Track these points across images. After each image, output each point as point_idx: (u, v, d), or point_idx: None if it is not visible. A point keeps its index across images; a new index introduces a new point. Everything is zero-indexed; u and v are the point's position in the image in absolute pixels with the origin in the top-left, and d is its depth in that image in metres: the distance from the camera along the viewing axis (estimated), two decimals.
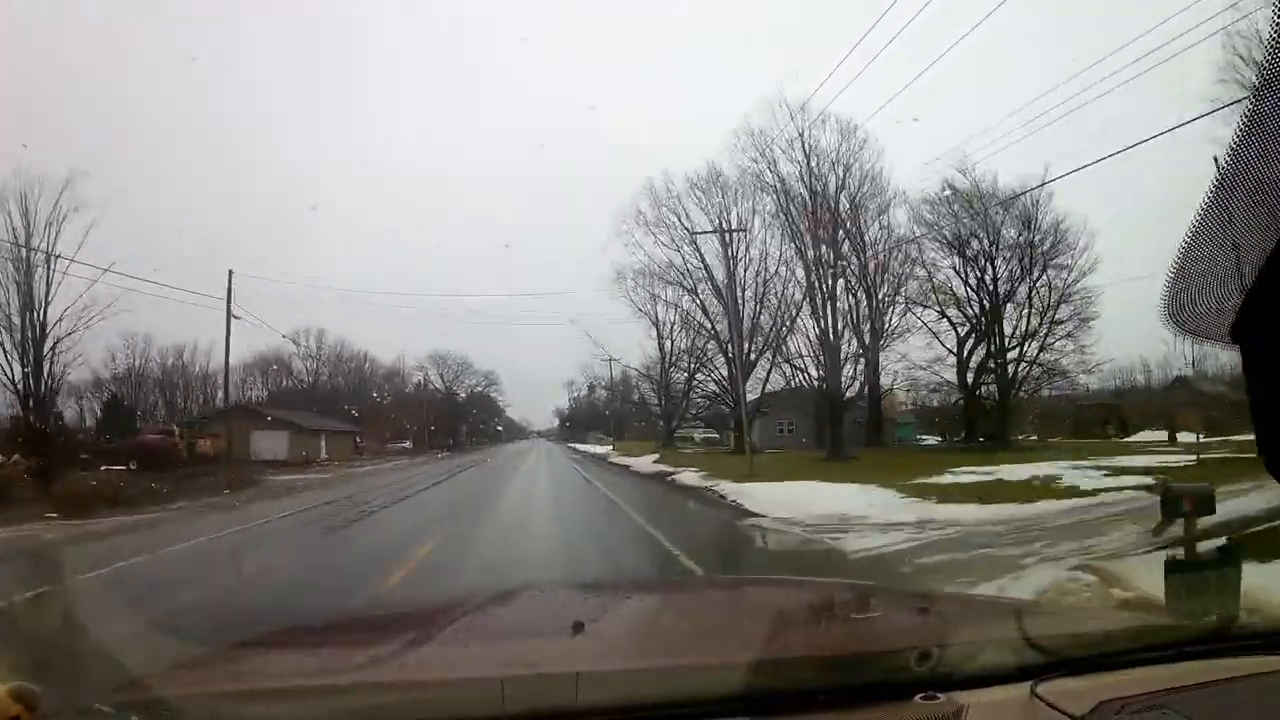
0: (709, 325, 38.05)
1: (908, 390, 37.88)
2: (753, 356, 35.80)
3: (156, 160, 75.67)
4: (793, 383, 36.38)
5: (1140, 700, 1.09)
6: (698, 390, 43.22)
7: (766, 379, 36.85)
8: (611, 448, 55.91)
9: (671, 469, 26.11)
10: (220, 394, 56.62)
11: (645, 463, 32.05)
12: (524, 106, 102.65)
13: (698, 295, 37.88)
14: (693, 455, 36.67)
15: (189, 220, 69.62)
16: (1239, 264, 0.94)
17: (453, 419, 74.56)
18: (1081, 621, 1.76)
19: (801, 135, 31.47)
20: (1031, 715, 1.08)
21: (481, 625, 1.89)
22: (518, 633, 1.85)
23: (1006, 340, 31.92)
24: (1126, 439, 33.84)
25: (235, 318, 28.98)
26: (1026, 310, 31.02)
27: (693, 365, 43.71)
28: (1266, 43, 0.82)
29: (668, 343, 46.18)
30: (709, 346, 39.92)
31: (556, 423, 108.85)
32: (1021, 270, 31.16)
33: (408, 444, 60.72)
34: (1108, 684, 1.14)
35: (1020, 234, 31.05)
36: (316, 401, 56.08)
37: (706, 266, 36.35)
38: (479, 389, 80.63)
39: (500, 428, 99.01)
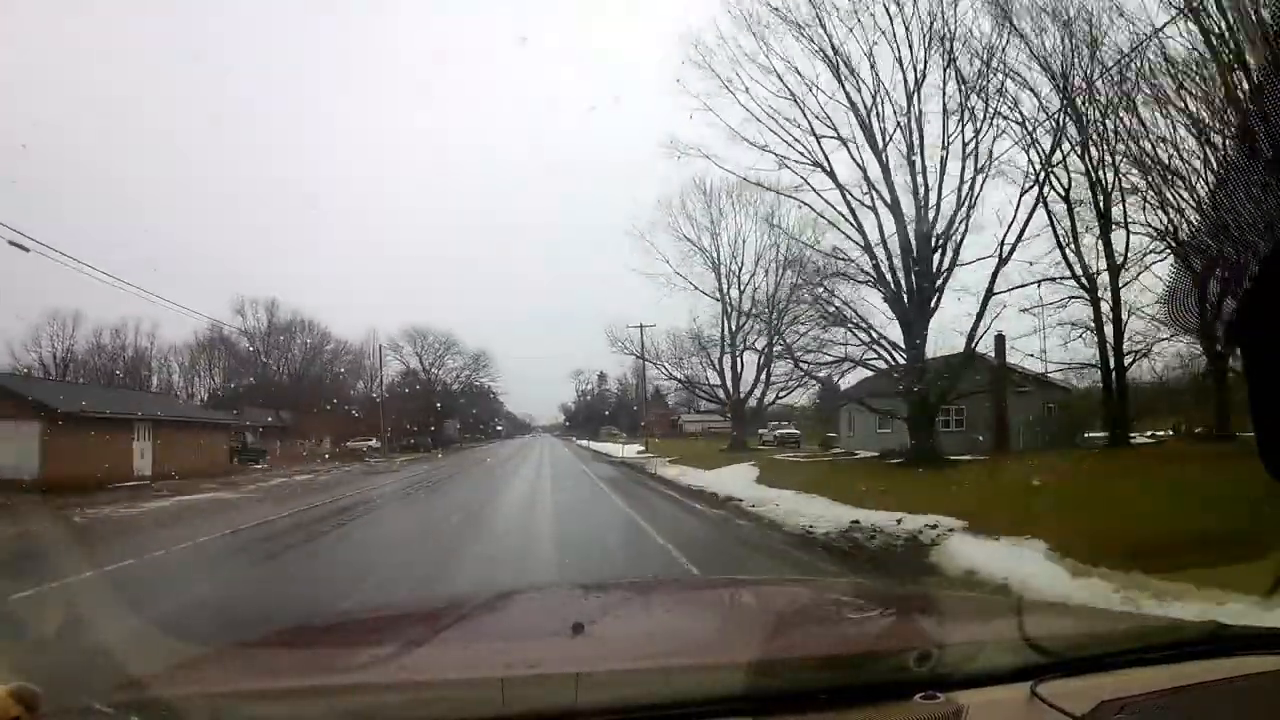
0: (852, 224, 20.05)
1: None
2: (939, 282, 19.42)
3: (156, 160, 75.51)
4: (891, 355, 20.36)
5: (1140, 700, 1.09)
6: (799, 352, 24.20)
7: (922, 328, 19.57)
8: (643, 449, 39.47)
9: (904, 516, 9.63)
10: (155, 379, 48.50)
11: (747, 485, 15.84)
12: (523, 106, 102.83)
13: (828, 173, 19.97)
14: (827, 469, 19.88)
15: (183, 224, 69.18)
16: (1239, 264, 0.94)
17: (438, 412, 59.26)
18: (1081, 621, 1.75)
19: None
20: (1031, 715, 1.08)
21: (481, 625, 1.89)
22: (518, 633, 1.85)
23: None
24: None
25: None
26: None
27: (775, 318, 28.40)
28: (1265, 50, 0.82)
29: (735, 292, 32.07)
30: (819, 280, 21.58)
31: (562, 418, 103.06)
32: None
33: (373, 442, 47.49)
34: (1108, 684, 1.14)
35: None
36: (265, 392, 46.92)
37: (857, 108, 19.27)
38: (467, 374, 65.92)
39: (500, 426, 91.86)
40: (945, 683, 1.13)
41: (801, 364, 24.33)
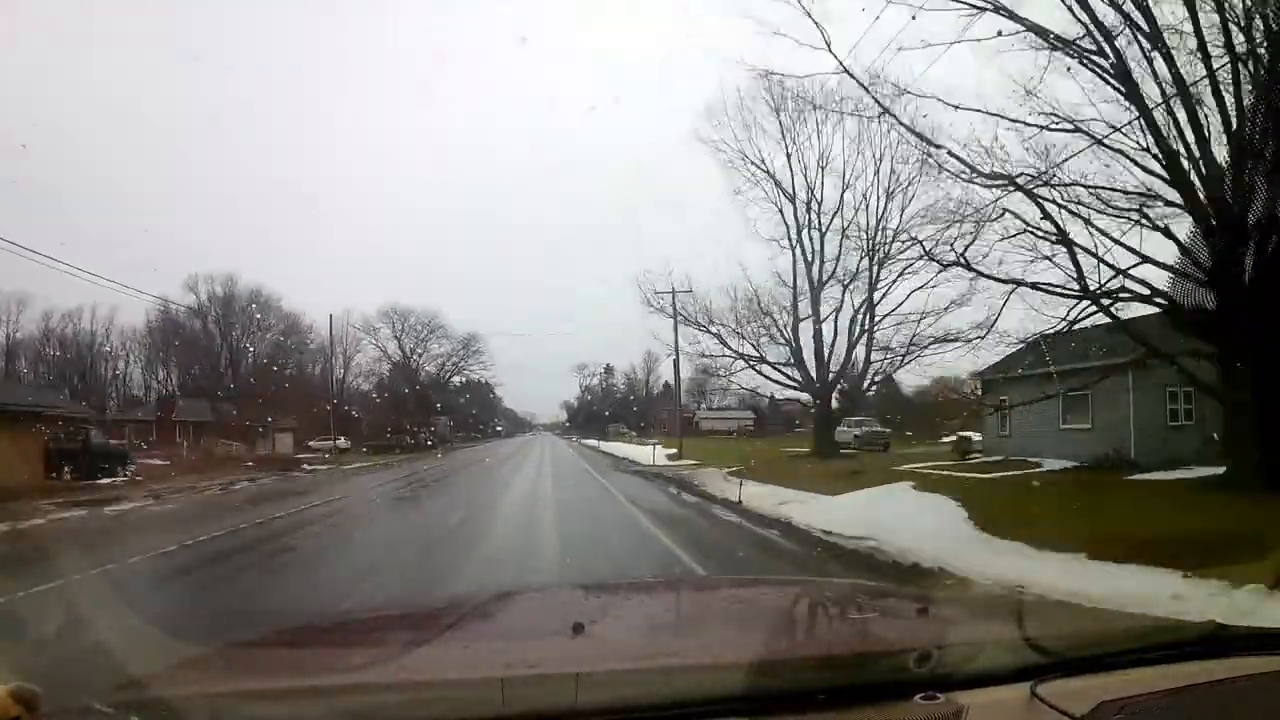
0: (1110, 71, 9.97)
1: None
2: None
3: (156, 160, 75.45)
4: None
5: (1140, 700, 1.09)
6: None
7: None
8: (674, 451, 29.99)
9: None
10: (112, 370, 42.76)
11: (974, 541, 8.22)
12: (523, 106, 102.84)
13: None
14: (1077, 498, 10.39)
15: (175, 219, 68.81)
16: (1239, 265, 0.94)
17: (426, 407, 50.90)
18: (1081, 621, 1.76)
19: None
20: (1031, 715, 1.08)
21: (481, 625, 1.90)
22: (518, 633, 1.86)
23: None
24: None
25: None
26: None
27: (877, 258, 21.00)
28: (1262, 59, 0.82)
29: (814, 234, 22.63)
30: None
31: (564, 416, 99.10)
32: None
33: (341, 441, 39.79)
34: (1108, 684, 1.14)
35: None
36: (217, 383, 41.45)
37: None
38: (454, 361, 56.49)
39: (500, 425, 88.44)
40: (945, 683, 1.13)
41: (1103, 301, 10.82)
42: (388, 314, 51.92)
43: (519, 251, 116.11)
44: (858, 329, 23.75)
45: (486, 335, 54.45)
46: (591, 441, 58.76)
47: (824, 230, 23.57)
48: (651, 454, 28.85)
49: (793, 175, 23.45)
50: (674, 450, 30.35)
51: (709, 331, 27.18)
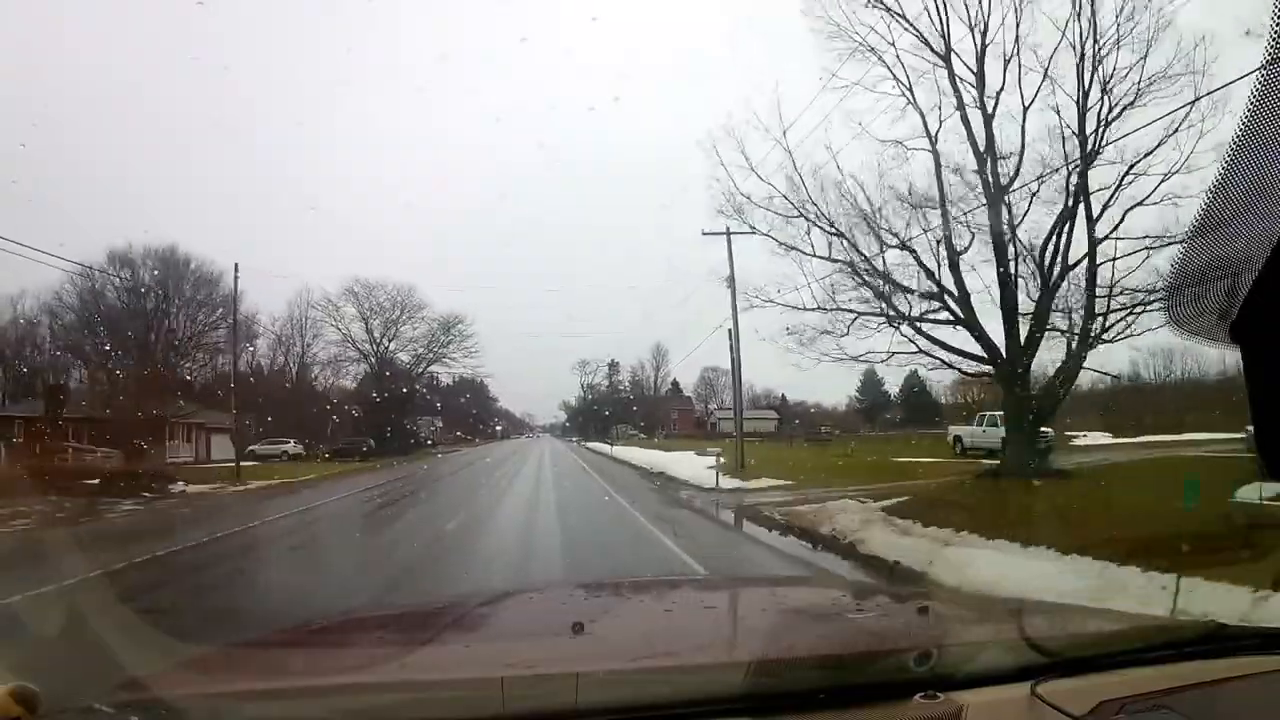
0: None
1: None
2: None
3: (157, 160, 75.38)
4: None
5: (1140, 700, 1.09)
6: None
7: None
8: (722, 459, 18.96)
9: None
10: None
11: None
12: (523, 106, 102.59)
13: None
14: None
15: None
16: (1240, 263, 0.94)
17: (403, 405, 41.73)
18: (1081, 621, 1.76)
19: None
20: (1031, 715, 1.08)
21: (481, 625, 1.90)
22: (518, 633, 1.86)
23: None
24: None
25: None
26: None
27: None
28: (1267, 44, 0.82)
29: (979, 117, 12.53)
30: None
31: (564, 416, 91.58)
32: None
33: (290, 446, 33.86)
34: (1108, 684, 1.14)
35: None
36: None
37: None
38: (434, 349, 44.30)
39: (499, 426, 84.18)
40: (945, 683, 1.13)
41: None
42: (351, 290, 41.69)
43: (518, 251, 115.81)
44: (1057, 266, 13.06)
45: (478, 325, 45.66)
46: (599, 445, 48.74)
47: (991, 113, 13.35)
48: (714, 470, 18.42)
49: (945, 24, 13.23)
50: (721, 458, 19.30)
51: (845, 266, 14.50)
